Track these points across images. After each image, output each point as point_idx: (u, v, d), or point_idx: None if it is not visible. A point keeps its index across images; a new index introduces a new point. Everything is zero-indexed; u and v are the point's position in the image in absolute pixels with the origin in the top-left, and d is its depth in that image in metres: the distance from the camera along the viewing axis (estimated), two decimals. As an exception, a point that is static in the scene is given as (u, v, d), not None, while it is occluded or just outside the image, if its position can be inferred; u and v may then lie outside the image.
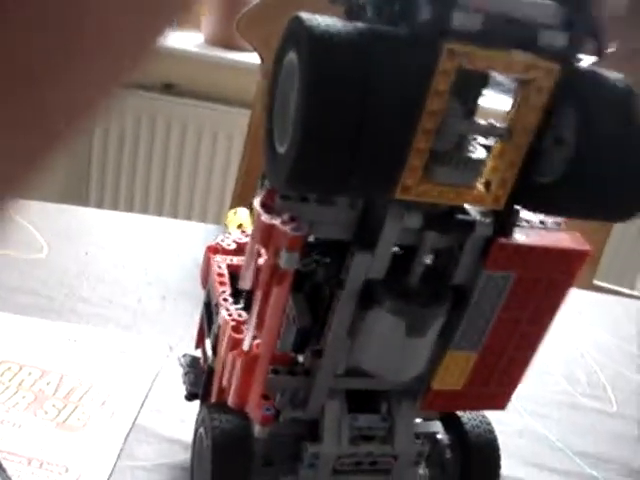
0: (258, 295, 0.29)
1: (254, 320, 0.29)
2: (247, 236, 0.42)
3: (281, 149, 0.24)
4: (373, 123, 0.23)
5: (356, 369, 0.32)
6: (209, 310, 0.41)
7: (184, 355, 0.43)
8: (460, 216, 0.28)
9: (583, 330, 0.72)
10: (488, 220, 0.28)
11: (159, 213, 1.40)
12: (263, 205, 0.27)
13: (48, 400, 0.40)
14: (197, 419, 0.36)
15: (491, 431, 0.37)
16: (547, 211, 0.28)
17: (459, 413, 0.37)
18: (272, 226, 0.25)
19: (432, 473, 0.36)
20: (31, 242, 0.61)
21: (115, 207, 1.40)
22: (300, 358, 0.33)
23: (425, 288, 0.29)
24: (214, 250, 0.41)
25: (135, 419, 0.41)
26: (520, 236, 0.29)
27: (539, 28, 0.24)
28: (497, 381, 0.33)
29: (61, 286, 0.55)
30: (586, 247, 0.29)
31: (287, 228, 0.25)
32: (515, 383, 0.33)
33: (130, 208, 1.41)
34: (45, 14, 0.10)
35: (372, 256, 0.28)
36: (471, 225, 0.28)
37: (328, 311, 0.30)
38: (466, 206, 0.28)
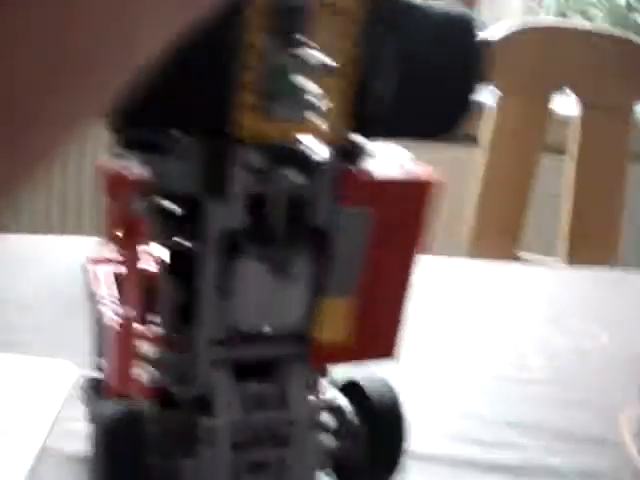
0: (122, 256, 0.29)
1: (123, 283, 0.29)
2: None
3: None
4: (194, 61, 0.24)
5: (236, 336, 0.32)
6: (99, 324, 0.40)
7: (83, 376, 0.42)
8: (305, 152, 0.29)
9: (508, 303, 0.75)
10: (332, 153, 0.29)
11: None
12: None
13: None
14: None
15: (391, 390, 0.37)
16: (382, 135, 0.29)
17: (360, 382, 0.37)
18: (118, 175, 0.26)
19: (343, 445, 0.36)
20: None
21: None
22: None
23: (286, 231, 0.30)
24: (96, 262, 0.40)
25: (44, 442, 0.39)
26: (369, 168, 0.30)
27: None
28: (379, 325, 0.33)
29: None
30: (434, 177, 0.31)
31: (130, 171, 0.26)
32: (397, 326, 0.34)
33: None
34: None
35: (225, 205, 0.28)
36: (317, 160, 0.29)
37: (196, 280, 0.30)
38: (310, 145, 0.29)
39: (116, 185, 0.26)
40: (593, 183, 0.99)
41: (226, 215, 0.29)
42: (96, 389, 0.41)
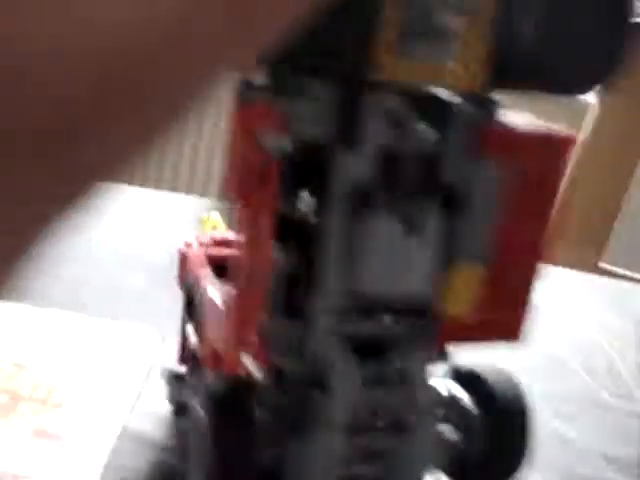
0: (242, 213, 0.27)
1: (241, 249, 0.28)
2: (222, 235, 0.41)
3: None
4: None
5: (357, 307, 0.30)
6: (189, 310, 0.39)
7: (167, 369, 0.40)
8: (442, 99, 0.28)
9: (594, 317, 0.70)
10: (468, 100, 0.27)
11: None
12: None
13: (23, 402, 0.36)
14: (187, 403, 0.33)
15: (517, 387, 0.34)
16: (525, 87, 0.27)
17: (482, 373, 0.34)
18: (251, 108, 0.25)
19: (462, 439, 0.33)
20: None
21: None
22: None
23: (416, 185, 0.28)
24: (189, 246, 0.39)
25: (125, 424, 0.37)
26: (506, 121, 0.28)
27: None
28: (506, 303, 0.31)
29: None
30: (572, 134, 0.29)
31: (264, 107, 0.24)
32: (524, 305, 0.31)
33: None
34: None
35: (358, 154, 0.27)
36: (453, 107, 0.27)
37: (318, 240, 0.29)
38: (447, 91, 0.28)
39: (250, 117, 0.25)
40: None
41: (357, 166, 0.27)
42: (181, 382, 0.39)
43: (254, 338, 0.28)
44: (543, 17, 0.26)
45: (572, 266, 0.78)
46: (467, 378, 0.34)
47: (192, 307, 0.37)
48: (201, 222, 0.41)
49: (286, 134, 0.25)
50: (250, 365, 0.30)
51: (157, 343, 0.44)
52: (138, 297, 0.49)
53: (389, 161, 0.28)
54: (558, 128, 0.29)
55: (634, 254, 1.01)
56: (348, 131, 0.27)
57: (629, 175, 0.91)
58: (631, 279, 0.88)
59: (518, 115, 0.30)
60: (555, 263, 0.87)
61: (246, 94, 0.26)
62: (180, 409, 0.39)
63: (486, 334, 0.32)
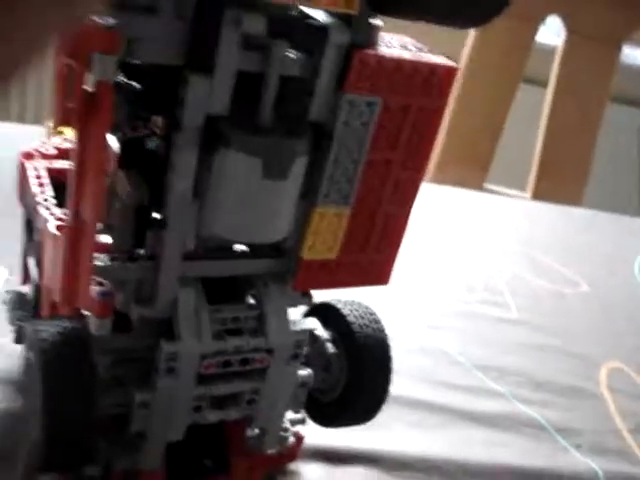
0: (75, 140, 0.24)
1: (74, 178, 0.25)
2: (69, 142, 0.37)
3: None
4: None
5: (209, 245, 0.28)
6: (30, 228, 0.35)
7: (7, 291, 0.37)
8: (310, 21, 0.25)
9: (477, 234, 0.72)
10: (342, 25, 0.25)
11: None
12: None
13: None
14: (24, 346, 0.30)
15: (377, 321, 0.34)
16: (399, 12, 0.25)
17: (338, 306, 0.34)
18: (82, 31, 0.21)
19: (315, 374, 0.33)
20: None
21: None
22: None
23: (279, 123, 0.26)
24: (29, 156, 0.36)
25: None
26: (382, 51, 0.26)
27: None
28: (375, 245, 0.30)
29: None
30: (453, 64, 0.27)
31: (97, 26, 0.21)
32: (395, 248, 0.30)
33: None
34: None
35: (211, 82, 0.24)
36: (324, 31, 0.25)
37: (166, 176, 0.26)
38: (314, 13, 0.25)
39: (80, 41, 0.21)
40: (568, 117, 0.97)
41: (212, 96, 0.24)
42: (23, 304, 0.37)
43: (88, 290, 0.26)
44: None
45: (459, 185, 0.79)
46: (326, 313, 0.33)
47: (32, 233, 0.34)
48: (47, 129, 0.37)
49: (116, 56, 0.22)
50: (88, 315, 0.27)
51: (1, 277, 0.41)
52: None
53: (249, 92, 0.25)
54: (439, 57, 0.27)
55: (514, 174, 1.04)
56: (201, 54, 0.24)
57: (510, 96, 0.92)
58: (512, 196, 0.91)
59: (398, 39, 0.28)
60: (442, 182, 0.88)
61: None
62: (20, 337, 0.36)
63: (354, 278, 0.31)
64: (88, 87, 0.22)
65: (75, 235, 0.25)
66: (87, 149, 0.23)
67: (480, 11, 0.26)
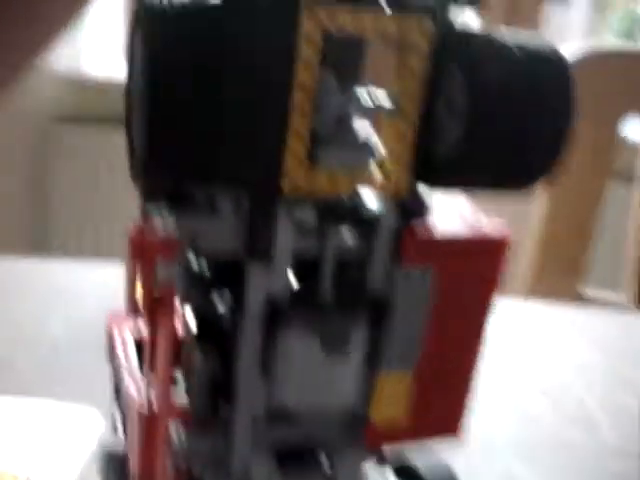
0: (147, 332, 0.26)
1: (146, 367, 0.27)
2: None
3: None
4: (234, 104, 0.22)
5: (280, 414, 0.29)
6: (122, 392, 0.38)
7: (103, 449, 0.39)
8: (360, 207, 0.26)
9: (565, 350, 0.70)
10: (392, 208, 0.26)
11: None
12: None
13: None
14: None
15: (452, 477, 0.34)
16: (450, 184, 0.26)
17: (416, 462, 0.34)
18: (142, 235, 0.23)
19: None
20: None
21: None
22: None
23: (337, 298, 0.27)
24: (119, 320, 0.38)
25: None
26: (433, 224, 0.27)
27: None
28: (443, 401, 0.30)
29: None
30: (504, 233, 0.28)
31: (157, 232, 0.23)
32: (463, 400, 0.31)
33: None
34: None
35: (269, 268, 0.26)
36: (374, 215, 0.26)
37: (233, 351, 0.28)
38: (366, 198, 0.27)
39: (141, 248, 0.23)
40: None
41: (270, 280, 0.26)
42: (117, 466, 0.38)
43: (164, 470, 0.28)
44: (470, 116, 0.25)
45: (555, 296, 0.78)
46: (402, 471, 0.34)
47: (119, 394, 0.36)
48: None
49: (176, 263, 0.24)
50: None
51: (98, 423, 0.43)
52: (77, 376, 0.49)
53: (305, 274, 0.27)
54: (492, 225, 0.28)
55: (614, 274, 1.01)
56: (259, 246, 0.26)
57: (600, 196, 0.91)
58: (610, 304, 0.89)
59: (455, 203, 0.29)
60: (538, 292, 0.87)
61: (147, 211, 0.25)
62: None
63: (424, 433, 0.31)
64: (154, 287, 0.24)
65: (149, 424, 0.27)
66: (155, 344, 0.25)
67: (528, 177, 0.27)
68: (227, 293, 0.28)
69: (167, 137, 0.21)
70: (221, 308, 0.29)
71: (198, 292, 0.29)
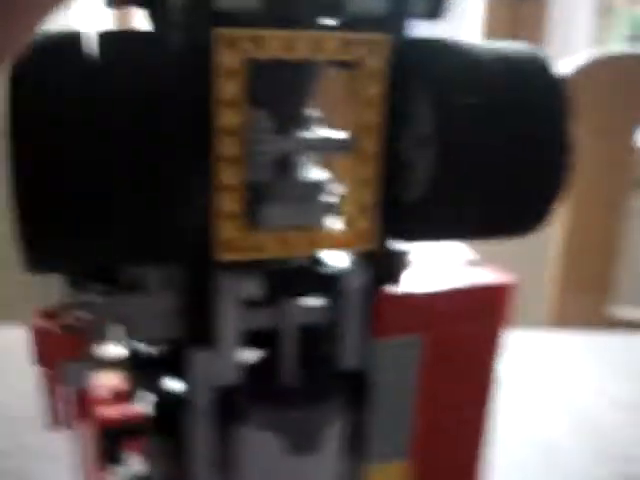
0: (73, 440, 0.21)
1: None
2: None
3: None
4: (127, 153, 0.17)
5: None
6: None
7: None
8: (317, 269, 0.22)
9: (593, 382, 0.64)
10: (359, 266, 0.21)
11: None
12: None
13: None
14: None
15: None
16: (424, 236, 0.21)
17: None
18: (46, 332, 0.19)
19: None
20: None
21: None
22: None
23: (306, 383, 0.22)
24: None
25: None
26: (414, 281, 0.22)
27: None
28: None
29: None
30: (505, 280, 0.23)
31: (62, 324, 0.19)
32: (474, 477, 0.26)
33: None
34: None
35: (214, 353, 0.21)
36: (338, 277, 0.21)
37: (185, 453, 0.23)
38: (325, 258, 0.22)
39: (45, 346, 0.19)
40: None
41: (217, 367, 0.21)
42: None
43: None
44: (442, 147, 0.20)
45: (582, 318, 0.72)
46: None
47: None
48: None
49: (88, 364, 0.19)
50: None
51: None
52: None
53: (261, 357, 0.22)
54: (487, 273, 0.23)
55: None
56: (197, 329, 0.21)
57: (619, 209, 0.85)
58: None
59: (442, 252, 0.24)
60: (564, 315, 0.82)
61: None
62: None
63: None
64: (68, 394, 0.19)
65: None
66: (84, 451, 0.21)
67: (524, 216, 0.22)
68: (176, 380, 0.24)
69: (42, 216, 0.17)
70: (171, 397, 0.24)
71: (147, 378, 0.24)
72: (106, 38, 0.17)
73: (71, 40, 0.17)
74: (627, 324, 0.86)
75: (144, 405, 0.25)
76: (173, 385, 0.24)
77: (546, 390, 0.63)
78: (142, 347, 0.24)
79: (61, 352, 0.19)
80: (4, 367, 0.55)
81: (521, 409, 0.58)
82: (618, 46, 1.26)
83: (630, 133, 0.82)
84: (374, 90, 0.20)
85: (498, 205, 0.21)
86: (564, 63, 0.77)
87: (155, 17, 0.19)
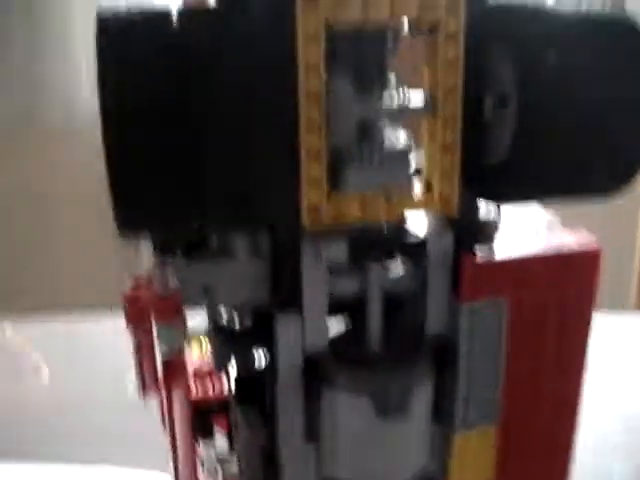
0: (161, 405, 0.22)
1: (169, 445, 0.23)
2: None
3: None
4: (220, 121, 0.18)
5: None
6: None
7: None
8: (401, 234, 0.22)
9: None
10: (444, 229, 0.21)
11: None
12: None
13: None
14: None
15: None
16: (510, 197, 0.21)
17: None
18: (137, 297, 0.20)
19: None
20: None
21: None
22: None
23: (391, 349, 0.22)
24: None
25: None
26: (500, 245, 0.22)
27: None
28: (540, 458, 0.25)
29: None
30: (591, 245, 0.23)
31: (157, 288, 0.19)
32: (567, 455, 0.25)
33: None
34: None
35: (302, 319, 0.21)
36: (422, 240, 0.21)
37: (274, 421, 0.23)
38: (409, 222, 0.22)
39: (140, 310, 0.20)
40: None
41: (304, 332, 0.22)
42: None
43: None
44: (526, 110, 0.20)
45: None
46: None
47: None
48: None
49: (181, 328, 0.20)
50: None
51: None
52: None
53: (349, 316, 0.22)
54: (575, 238, 0.23)
55: None
56: (285, 291, 0.21)
57: None
58: None
59: (525, 215, 0.24)
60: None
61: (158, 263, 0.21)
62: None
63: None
64: (161, 358, 0.20)
65: None
66: (172, 415, 0.21)
67: (611, 176, 0.21)
68: (263, 348, 0.24)
69: (139, 176, 0.17)
70: (258, 366, 0.25)
71: (232, 349, 0.25)
72: (189, 14, 0.18)
73: (158, 17, 0.18)
74: None
75: (230, 377, 0.25)
76: (259, 355, 0.25)
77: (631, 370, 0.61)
78: (228, 317, 0.24)
79: (153, 317, 0.19)
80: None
81: (607, 386, 0.56)
82: None
83: None
84: (453, 52, 0.20)
85: (581, 165, 0.20)
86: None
87: None
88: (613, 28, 0.20)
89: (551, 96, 0.19)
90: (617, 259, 0.78)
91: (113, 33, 0.17)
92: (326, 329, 0.22)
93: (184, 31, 0.17)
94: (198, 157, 0.18)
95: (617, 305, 0.72)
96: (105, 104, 0.17)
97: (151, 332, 0.19)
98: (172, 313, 0.19)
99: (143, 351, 0.20)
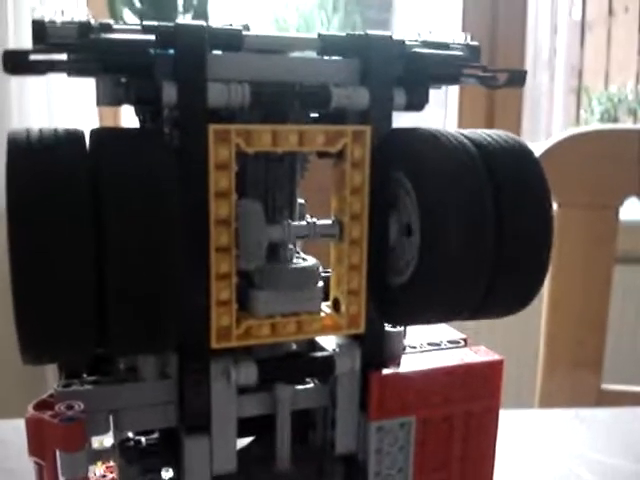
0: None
1: None
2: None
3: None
4: (124, 248, 0.18)
5: None
6: None
7: None
8: (312, 354, 0.22)
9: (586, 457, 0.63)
10: (352, 349, 0.22)
11: None
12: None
13: None
14: None
15: None
16: (413, 319, 0.22)
17: None
18: (41, 422, 0.19)
19: None
20: None
21: None
22: None
23: (300, 468, 0.22)
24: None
25: None
26: (407, 362, 0.23)
27: (329, 87, 0.20)
28: None
29: None
30: (495, 356, 0.24)
31: (57, 419, 0.19)
32: None
33: None
34: None
35: (210, 440, 0.21)
36: (329, 362, 0.22)
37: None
38: (318, 342, 0.22)
39: (42, 438, 0.19)
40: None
41: (214, 455, 0.21)
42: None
43: None
44: (426, 233, 0.20)
45: (576, 391, 0.71)
46: None
47: None
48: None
49: (85, 455, 0.19)
50: None
51: None
52: None
53: (261, 430, 0.22)
54: (479, 352, 0.24)
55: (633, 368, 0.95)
56: (193, 413, 0.21)
57: (607, 282, 0.86)
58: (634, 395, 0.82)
59: (432, 334, 0.25)
60: (554, 390, 0.81)
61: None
62: None
63: None
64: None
65: None
66: None
67: (506, 309, 0.22)
68: (172, 470, 0.24)
69: (44, 314, 0.17)
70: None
71: (138, 471, 0.24)
72: (102, 135, 0.18)
73: (67, 138, 0.18)
74: (621, 398, 0.86)
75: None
76: (167, 475, 0.24)
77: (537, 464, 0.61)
78: (135, 438, 0.24)
79: (56, 443, 0.19)
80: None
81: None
82: (594, 125, 1.30)
83: (613, 208, 0.84)
84: (359, 178, 0.21)
85: (483, 292, 0.21)
86: (542, 144, 0.80)
87: (146, 114, 0.20)
88: (507, 154, 0.21)
89: (447, 225, 0.20)
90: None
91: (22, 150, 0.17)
92: (234, 450, 0.21)
93: (93, 156, 0.18)
94: (99, 290, 0.17)
95: (524, 404, 0.74)
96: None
97: (54, 459, 0.19)
98: (76, 442, 0.19)
99: (45, 478, 0.19)
